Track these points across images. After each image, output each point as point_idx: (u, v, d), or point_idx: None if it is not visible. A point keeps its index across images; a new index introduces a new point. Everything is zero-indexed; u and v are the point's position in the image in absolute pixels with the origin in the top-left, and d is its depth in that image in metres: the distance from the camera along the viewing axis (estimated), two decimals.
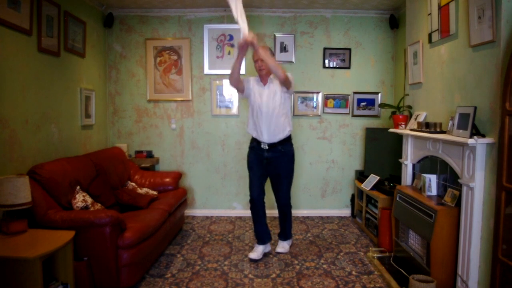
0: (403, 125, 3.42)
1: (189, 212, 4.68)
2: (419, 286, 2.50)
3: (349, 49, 4.62)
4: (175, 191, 3.99)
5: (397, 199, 3.19)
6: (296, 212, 4.71)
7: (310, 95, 4.65)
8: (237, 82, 3.22)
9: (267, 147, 3.29)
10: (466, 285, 2.45)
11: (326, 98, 4.67)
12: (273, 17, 4.59)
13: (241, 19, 2.91)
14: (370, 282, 2.92)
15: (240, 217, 4.63)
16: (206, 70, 4.62)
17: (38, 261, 2.05)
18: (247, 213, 4.46)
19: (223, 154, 4.69)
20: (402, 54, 4.30)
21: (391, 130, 3.55)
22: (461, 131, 2.44)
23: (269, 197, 3.65)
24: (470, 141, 2.30)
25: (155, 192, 3.76)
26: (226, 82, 4.63)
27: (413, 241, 2.99)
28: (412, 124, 3.32)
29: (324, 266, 3.22)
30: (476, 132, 2.40)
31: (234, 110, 4.66)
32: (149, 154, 4.63)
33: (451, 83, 2.83)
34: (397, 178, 3.73)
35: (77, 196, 2.90)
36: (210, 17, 4.59)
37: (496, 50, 2.28)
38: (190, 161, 4.72)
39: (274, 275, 3.04)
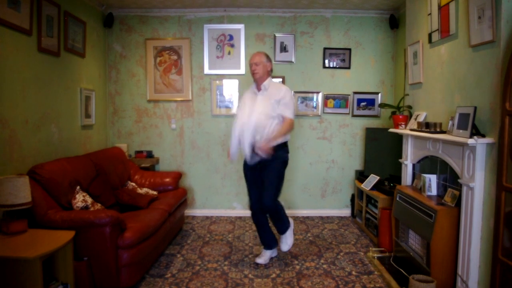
0: (403, 125, 3.42)
1: (189, 212, 4.68)
2: (419, 286, 2.50)
3: (349, 49, 4.62)
4: (175, 191, 3.99)
5: (397, 199, 3.19)
6: (296, 212, 4.72)
7: (310, 95, 4.65)
8: None
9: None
10: (466, 285, 2.45)
11: (326, 98, 4.67)
12: (273, 17, 4.59)
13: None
14: (370, 282, 2.92)
15: (240, 217, 4.63)
16: (206, 70, 4.62)
17: (38, 261, 2.05)
18: (247, 213, 4.45)
19: (223, 154, 4.69)
20: (402, 54, 4.30)
21: (391, 130, 3.55)
22: (461, 131, 2.44)
23: None
24: (470, 141, 2.30)
25: (155, 192, 3.76)
26: (226, 82, 4.64)
27: (413, 241, 2.99)
28: (412, 124, 3.32)
29: (324, 266, 3.22)
30: (476, 132, 2.40)
31: (234, 110, 4.65)
32: (149, 154, 4.63)
33: (451, 83, 2.83)
34: (397, 178, 3.73)
35: (77, 196, 2.90)
36: (210, 17, 4.59)
37: (496, 50, 2.28)
38: (190, 161, 4.72)
39: (274, 275, 3.04)
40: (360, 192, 4.28)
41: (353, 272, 3.10)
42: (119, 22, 4.59)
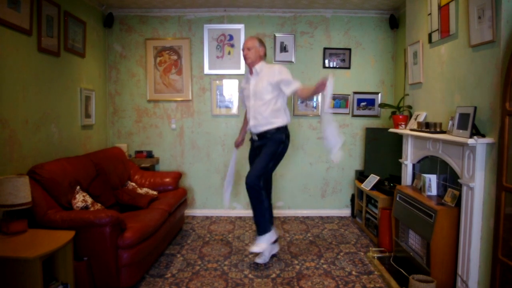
0: (403, 125, 3.42)
1: (189, 212, 4.68)
2: (419, 286, 2.50)
3: (349, 49, 4.62)
4: (175, 191, 3.99)
5: (397, 199, 3.19)
6: (296, 212, 4.72)
7: None
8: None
9: (257, 138, 3.28)
10: (466, 285, 2.45)
11: None
12: (273, 17, 4.59)
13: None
14: (370, 282, 2.92)
15: (240, 217, 4.63)
16: (206, 70, 4.62)
17: (38, 261, 2.05)
18: (247, 213, 4.47)
19: (223, 154, 4.69)
20: (402, 54, 4.30)
21: (391, 130, 3.55)
22: (461, 131, 2.44)
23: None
24: (470, 141, 2.30)
25: (155, 192, 3.76)
26: (226, 82, 4.64)
27: (413, 241, 2.99)
28: (412, 124, 3.32)
29: (324, 266, 3.22)
30: (476, 132, 2.40)
31: (234, 110, 4.66)
32: (149, 154, 4.63)
33: (451, 83, 2.83)
34: (397, 178, 3.73)
35: (77, 196, 2.90)
36: (210, 17, 4.59)
37: (496, 50, 2.28)
38: (190, 161, 4.72)
39: (274, 275, 3.04)
40: (360, 192, 4.28)
41: (353, 272, 3.10)
42: (119, 22, 4.59)
